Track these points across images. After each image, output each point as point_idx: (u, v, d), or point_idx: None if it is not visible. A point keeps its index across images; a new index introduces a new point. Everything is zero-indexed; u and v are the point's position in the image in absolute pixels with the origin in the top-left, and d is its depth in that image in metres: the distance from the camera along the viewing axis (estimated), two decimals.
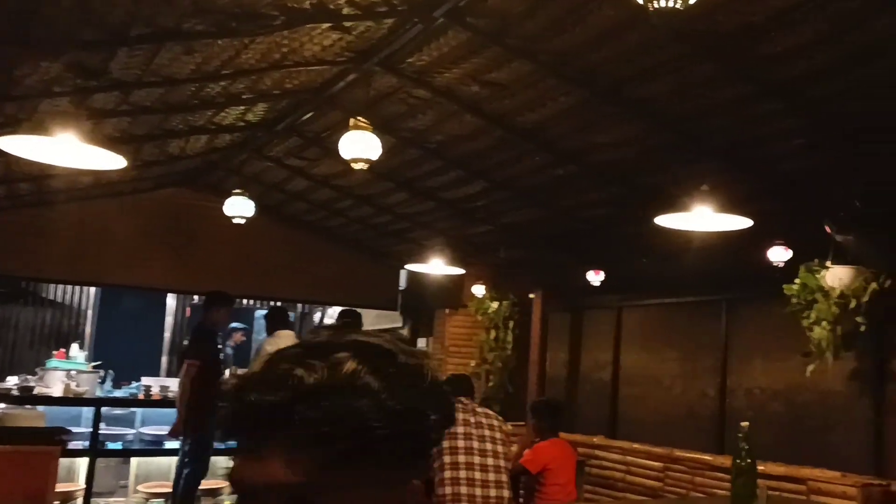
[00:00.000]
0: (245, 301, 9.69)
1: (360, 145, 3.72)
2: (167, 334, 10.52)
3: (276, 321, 6.10)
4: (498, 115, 4.36)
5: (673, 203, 3.93)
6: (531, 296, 6.91)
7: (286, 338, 5.99)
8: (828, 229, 4.02)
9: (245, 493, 0.70)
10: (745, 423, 3.61)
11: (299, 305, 10.39)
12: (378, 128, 4.02)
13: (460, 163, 5.31)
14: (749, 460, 3.47)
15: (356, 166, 3.71)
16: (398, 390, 0.70)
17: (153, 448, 6.48)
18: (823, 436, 4.93)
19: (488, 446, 4.71)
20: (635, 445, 5.78)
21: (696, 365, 5.89)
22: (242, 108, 4.55)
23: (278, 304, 7.98)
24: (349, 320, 6.18)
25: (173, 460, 5.72)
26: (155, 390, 6.68)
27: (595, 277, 5.95)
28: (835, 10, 2.90)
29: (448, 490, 4.53)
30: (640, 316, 6.47)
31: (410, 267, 6.60)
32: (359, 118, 3.74)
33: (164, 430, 6.55)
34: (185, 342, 5.93)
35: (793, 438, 5.09)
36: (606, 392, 6.58)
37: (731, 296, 5.60)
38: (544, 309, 6.76)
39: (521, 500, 5.17)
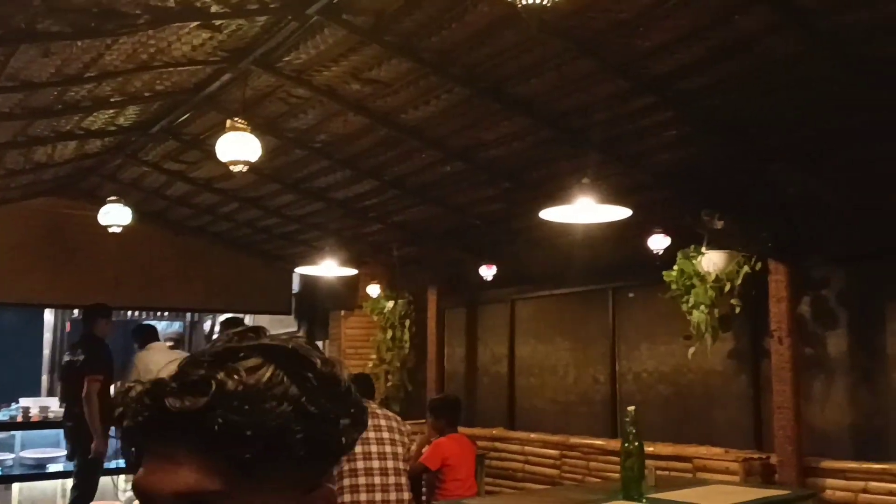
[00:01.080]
0: (131, 313, 9.29)
1: (238, 147, 3.62)
2: (46, 351, 9.95)
3: (146, 335, 5.98)
4: (382, 112, 4.33)
5: (558, 196, 4.01)
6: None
7: (159, 350, 5.82)
8: (701, 217, 4.20)
9: (152, 501, 0.68)
10: (631, 408, 3.72)
11: (188, 315, 10.05)
12: (259, 128, 3.93)
13: (348, 162, 5.25)
14: (637, 443, 3.57)
15: (235, 169, 3.61)
16: (316, 395, 0.69)
17: (36, 472, 6.14)
18: (707, 414, 5.15)
19: (388, 449, 4.68)
20: (532, 435, 5.88)
21: (588, 352, 6.04)
22: (112, 111, 4.35)
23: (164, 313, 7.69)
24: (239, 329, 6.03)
25: (58, 483, 5.44)
26: (34, 411, 6.32)
27: (488, 272, 6.01)
28: (698, 7, 3.02)
29: (347, 498, 4.47)
30: (532, 308, 6.58)
31: (302, 270, 6.50)
32: (236, 119, 3.64)
33: (46, 454, 6.21)
34: (68, 357, 5.62)
35: (679, 419, 5.29)
36: (504, 384, 6.67)
37: (617, 284, 5.76)
38: (440, 305, 6.78)
39: (423, 498, 5.16)
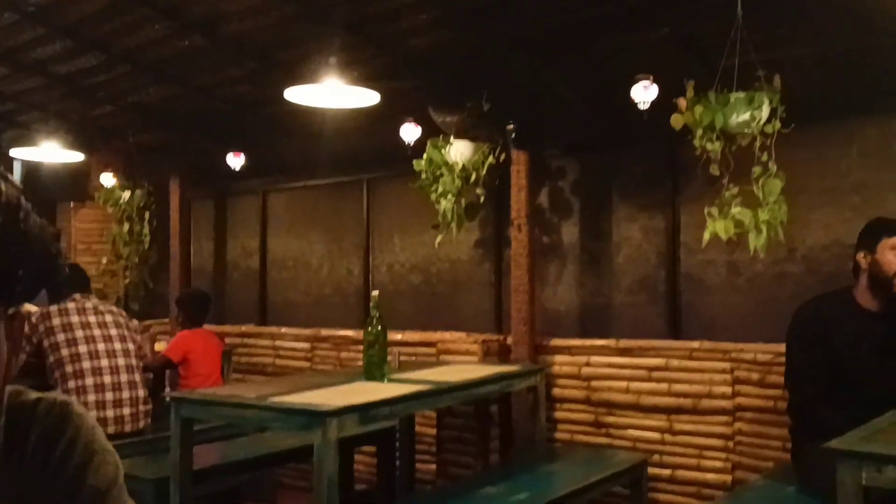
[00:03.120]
0: None
1: None
2: None
3: None
4: None
5: (306, 77, 3.80)
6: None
7: None
8: (447, 106, 4.21)
9: None
10: (375, 293, 3.72)
11: None
12: None
13: (68, 30, 4.62)
14: (380, 327, 3.58)
15: None
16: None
17: None
18: (454, 301, 5.33)
19: (117, 346, 4.36)
20: (283, 329, 5.78)
21: (342, 245, 5.98)
22: None
23: None
24: None
25: None
26: None
27: (235, 160, 5.68)
28: None
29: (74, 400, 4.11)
30: (285, 200, 6.37)
31: (19, 153, 5.75)
32: None
33: None
34: None
35: (429, 307, 5.43)
36: (255, 279, 6.46)
37: (371, 175, 5.71)
38: (184, 197, 6.35)
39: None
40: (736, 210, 3.46)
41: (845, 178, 3.89)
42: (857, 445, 2.05)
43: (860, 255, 3.08)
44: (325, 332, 5.50)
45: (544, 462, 3.92)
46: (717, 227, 3.48)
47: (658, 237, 4.47)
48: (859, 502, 1.97)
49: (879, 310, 3.05)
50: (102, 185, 6.40)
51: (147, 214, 6.34)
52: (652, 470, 4.00)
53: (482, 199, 4.48)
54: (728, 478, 3.87)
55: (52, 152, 5.44)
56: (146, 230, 6.30)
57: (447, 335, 4.73)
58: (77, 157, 5.71)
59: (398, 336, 4.80)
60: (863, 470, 1.96)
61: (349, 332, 5.31)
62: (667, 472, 4.04)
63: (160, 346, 5.15)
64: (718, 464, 3.91)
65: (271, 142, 5.82)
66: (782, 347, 3.46)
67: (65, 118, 5.86)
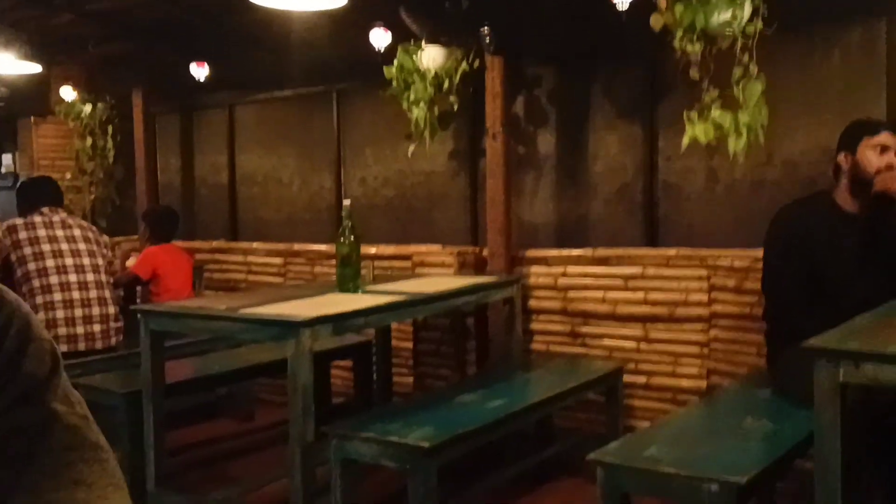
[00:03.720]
0: None
1: None
2: None
3: None
4: None
5: None
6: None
7: None
8: (402, 14, 4.04)
9: None
10: (347, 201, 3.63)
11: None
12: None
13: None
14: (353, 238, 3.51)
15: None
16: None
17: None
18: (429, 215, 5.25)
19: (86, 261, 4.26)
20: (255, 245, 5.69)
21: (313, 160, 5.85)
22: None
23: None
24: None
25: None
26: None
27: (200, 71, 5.46)
28: None
29: (42, 315, 4.04)
30: (254, 113, 6.18)
31: None
32: None
33: None
34: None
35: (403, 221, 5.36)
36: (224, 196, 6.33)
37: (341, 85, 5.53)
38: (149, 111, 6.14)
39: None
40: (716, 113, 3.38)
41: (827, 81, 3.81)
42: (835, 343, 2.03)
43: (841, 157, 3.02)
44: (297, 246, 5.42)
45: (520, 371, 3.93)
46: (697, 131, 3.40)
47: (636, 146, 4.39)
48: (836, 400, 1.96)
49: (859, 212, 3.02)
50: (63, 99, 6.16)
51: (110, 129, 6.14)
52: (627, 378, 4.03)
53: (455, 107, 4.35)
54: (703, 383, 3.90)
55: (8, 64, 5.20)
56: (110, 145, 6.11)
57: (422, 248, 4.67)
58: (35, 69, 5.46)
59: (372, 250, 4.73)
60: (840, 367, 1.94)
61: (322, 247, 5.23)
62: (642, 379, 4.07)
63: (132, 263, 5.05)
64: (694, 370, 3.94)
65: (237, 52, 5.61)
66: (759, 253, 3.44)
67: (21, 28, 5.58)
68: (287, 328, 2.89)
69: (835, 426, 1.96)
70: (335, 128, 5.62)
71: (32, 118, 6.52)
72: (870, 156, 2.92)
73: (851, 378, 1.95)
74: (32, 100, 6.34)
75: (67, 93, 6.11)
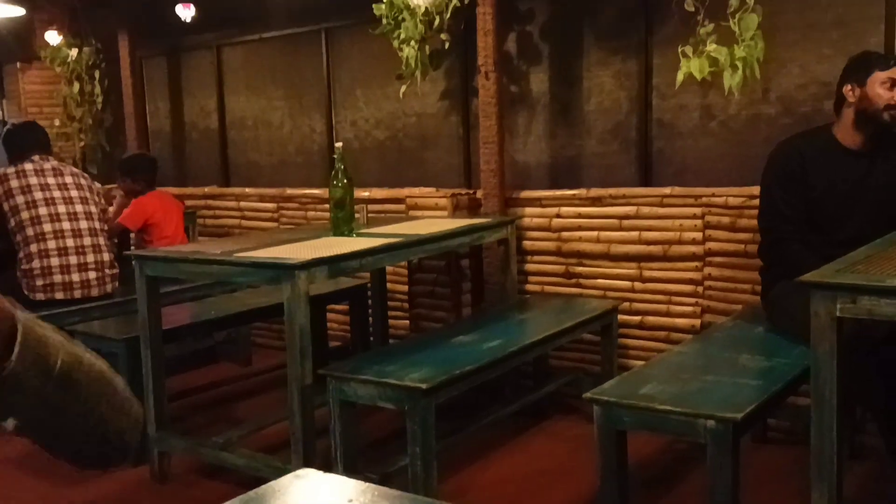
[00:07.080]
0: None
1: None
2: None
3: None
4: None
5: None
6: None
7: None
8: None
9: None
10: (339, 144, 3.59)
11: None
12: None
13: None
14: (345, 180, 3.48)
15: None
16: None
17: None
18: (421, 157, 5.20)
19: (79, 208, 4.23)
20: (248, 190, 5.65)
21: (303, 102, 5.76)
22: None
23: None
24: None
25: None
26: None
27: (185, 11, 5.34)
28: None
29: (37, 264, 4.04)
30: (241, 54, 6.06)
31: None
32: None
33: None
34: None
35: (396, 164, 5.31)
36: (215, 140, 6.25)
37: (330, 24, 5.42)
38: (135, 54, 6.02)
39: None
40: (711, 48, 3.32)
41: (825, 12, 3.73)
42: (832, 277, 2.04)
43: (847, 88, 2.98)
44: (290, 191, 5.38)
45: (516, 312, 3.95)
46: (692, 66, 3.35)
47: (630, 82, 4.33)
48: (833, 334, 1.97)
49: (860, 147, 3.00)
50: (48, 43, 6.03)
51: (97, 73, 6.02)
52: (622, 317, 4.05)
53: (447, 45, 4.27)
54: (697, 322, 3.93)
55: None
56: (98, 90, 6.00)
57: (415, 191, 4.64)
58: (17, 11, 5.34)
59: (365, 193, 4.70)
60: (837, 301, 1.95)
61: (316, 191, 5.20)
62: (636, 318, 4.09)
63: (116, 207, 4.99)
64: (688, 309, 3.96)
65: None
66: (754, 190, 3.43)
67: None
68: (283, 271, 2.89)
69: (831, 360, 1.98)
70: (325, 68, 5.52)
71: (18, 64, 6.38)
72: (879, 90, 2.88)
73: (848, 312, 1.95)
74: (17, 45, 6.20)
75: (52, 37, 5.97)
